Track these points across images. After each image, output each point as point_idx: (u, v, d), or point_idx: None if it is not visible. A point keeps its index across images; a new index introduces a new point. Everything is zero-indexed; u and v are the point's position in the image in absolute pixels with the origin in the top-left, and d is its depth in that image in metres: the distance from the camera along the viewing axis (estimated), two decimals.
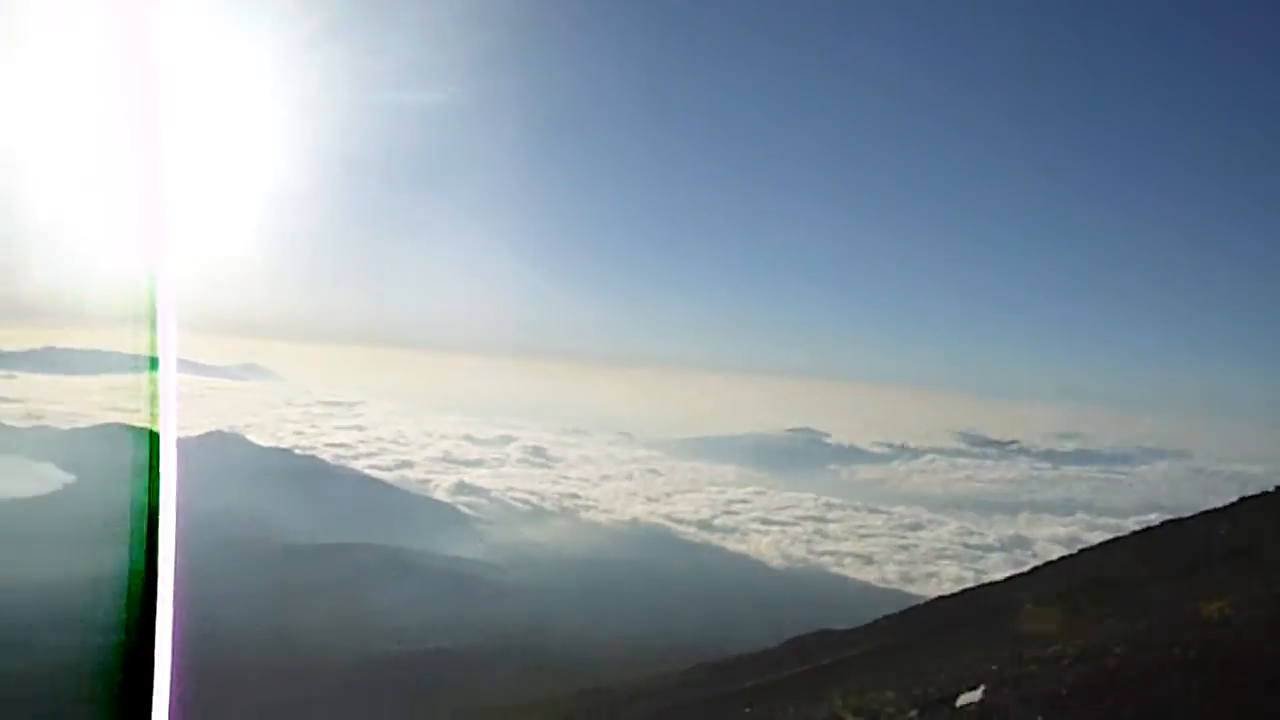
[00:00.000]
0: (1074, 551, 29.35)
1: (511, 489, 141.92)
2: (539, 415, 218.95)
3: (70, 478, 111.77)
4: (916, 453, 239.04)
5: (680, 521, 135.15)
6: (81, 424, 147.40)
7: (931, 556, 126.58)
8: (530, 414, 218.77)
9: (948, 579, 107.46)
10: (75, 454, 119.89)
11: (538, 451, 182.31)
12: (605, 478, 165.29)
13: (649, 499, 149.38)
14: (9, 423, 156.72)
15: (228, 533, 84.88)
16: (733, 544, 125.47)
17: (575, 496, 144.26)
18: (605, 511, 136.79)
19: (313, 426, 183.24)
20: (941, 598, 31.30)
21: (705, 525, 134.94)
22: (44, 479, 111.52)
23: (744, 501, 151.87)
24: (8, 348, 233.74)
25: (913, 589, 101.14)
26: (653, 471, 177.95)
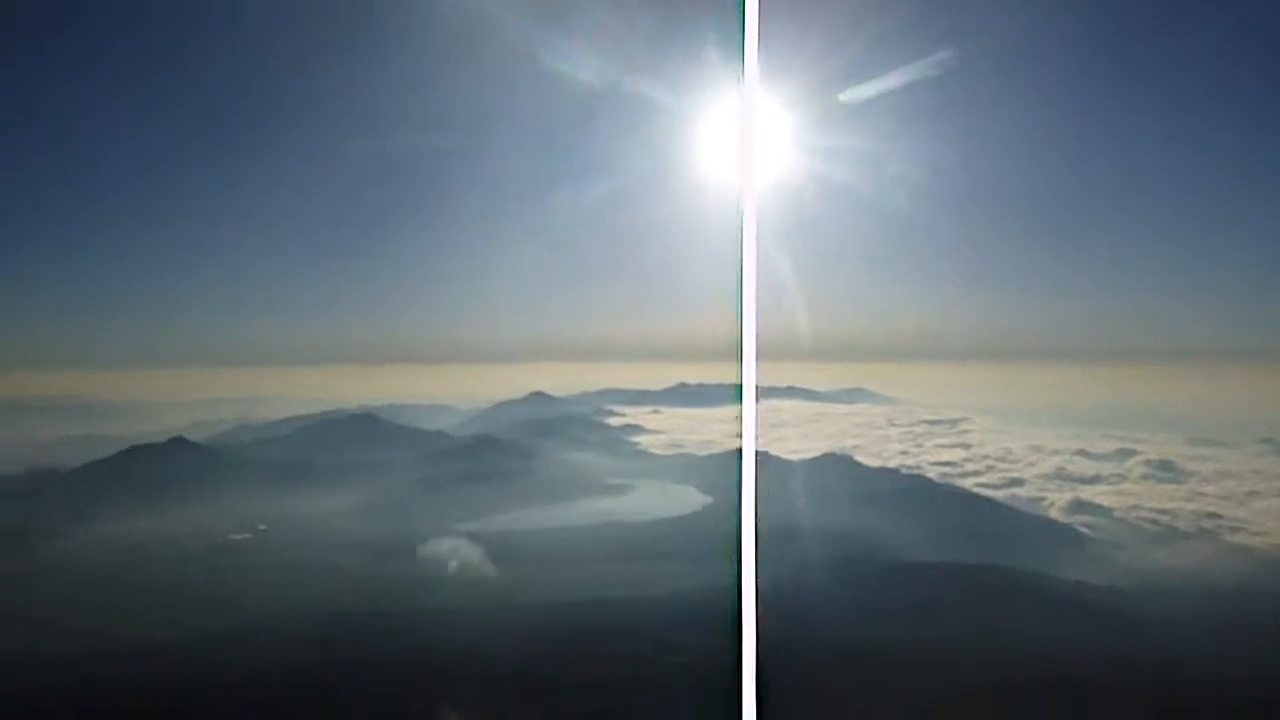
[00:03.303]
0: None
1: (1136, 507, 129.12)
2: (1163, 425, 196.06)
3: (709, 499, 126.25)
4: None
5: None
6: (715, 450, 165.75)
7: None
8: (1153, 424, 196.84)
9: None
10: (712, 478, 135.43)
11: (1165, 465, 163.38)
12: (1252, 494, 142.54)
13: None
14: (655, 451, 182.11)
15: (842, 550, 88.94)
16: None
17: (1216, 516, 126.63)
18: (1258, 534, 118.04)
19: (917, 446, 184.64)
20: None
21: None
22: (686, 501, 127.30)
23: None
24: (653, 386, 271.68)
25: None
26: None
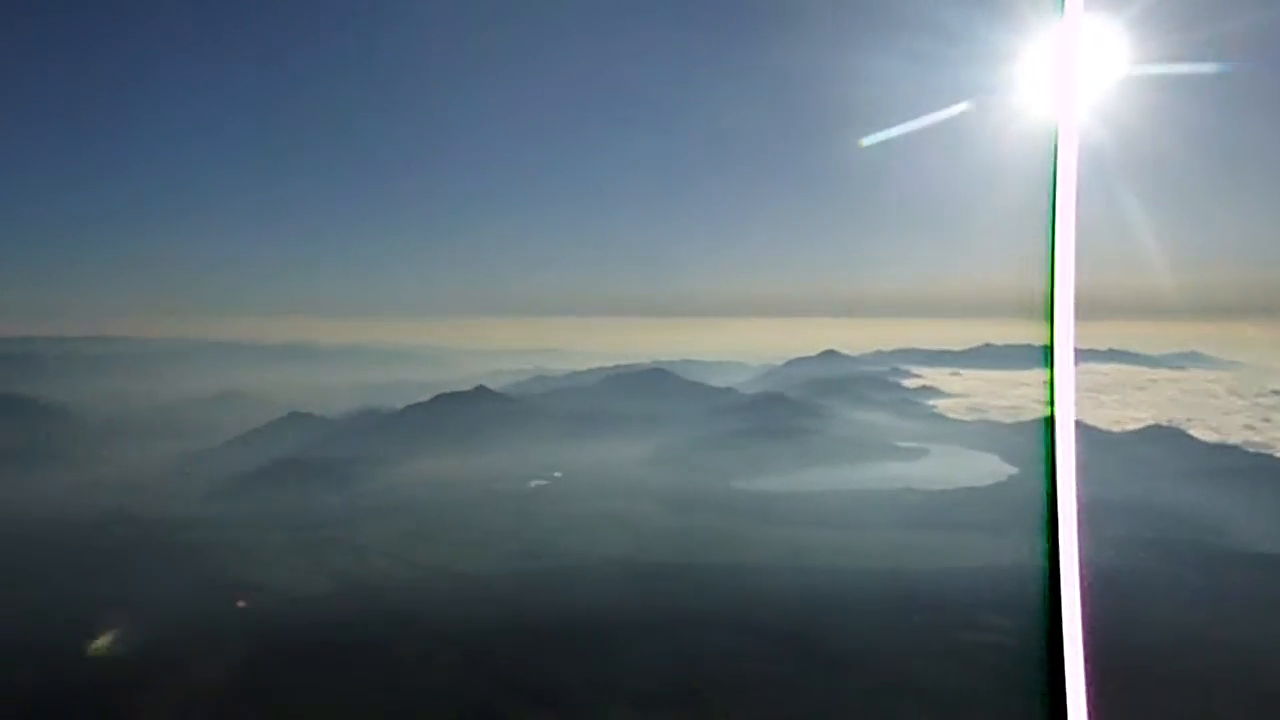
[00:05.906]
0: None
1: None
2: None
3: (1013, 469, 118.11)
4: None
5: None
6: (1022, 418, 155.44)
7: None
8: None
9: None
10: (1017, 448, 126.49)
11: None
12: None
13: None
14: (953, 416, 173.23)
15: (1171, 533, 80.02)
16: None
17: None
18: None
19: (1265, 420, 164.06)
20: None
21: None
22: (987, 471, 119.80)
23: None
24: (953, 346, 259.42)
25: None
26: None
